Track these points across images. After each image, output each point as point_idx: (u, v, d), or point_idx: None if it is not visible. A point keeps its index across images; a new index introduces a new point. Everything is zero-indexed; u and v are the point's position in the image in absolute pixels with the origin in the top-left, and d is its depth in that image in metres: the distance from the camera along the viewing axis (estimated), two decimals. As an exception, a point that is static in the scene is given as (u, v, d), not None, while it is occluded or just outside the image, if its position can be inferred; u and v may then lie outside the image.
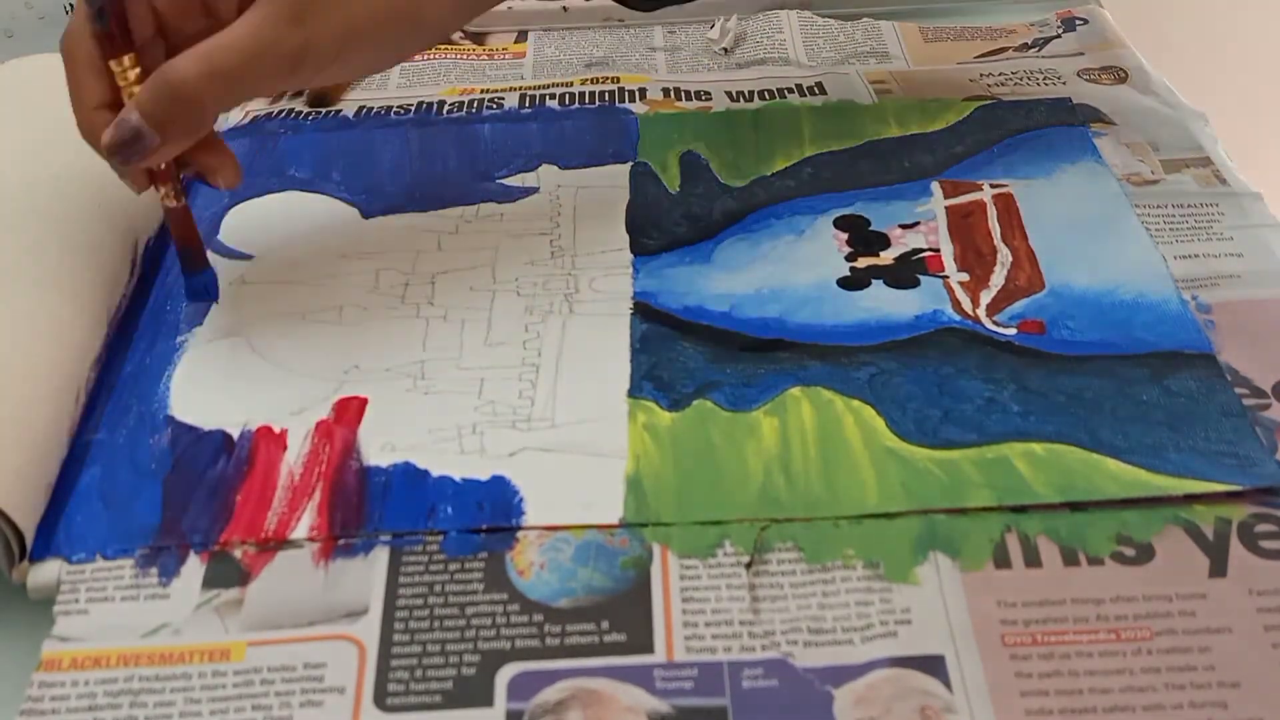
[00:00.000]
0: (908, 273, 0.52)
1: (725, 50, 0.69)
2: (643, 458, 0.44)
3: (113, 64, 0.45)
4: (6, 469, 0.42)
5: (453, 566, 0.41)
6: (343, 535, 0.42)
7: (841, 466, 0.44)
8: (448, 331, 0.50)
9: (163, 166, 0.48)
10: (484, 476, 0.44)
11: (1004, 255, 0.52)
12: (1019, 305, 0.50)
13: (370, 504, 0.43)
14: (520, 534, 0.42)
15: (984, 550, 0.41)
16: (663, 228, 0.55)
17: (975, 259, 0.52)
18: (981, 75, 0.65)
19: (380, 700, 0.38)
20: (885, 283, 0.51)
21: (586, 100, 0.65)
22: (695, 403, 0.46)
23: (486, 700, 0.38)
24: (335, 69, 0.47)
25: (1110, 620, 0.39)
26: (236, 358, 0.50)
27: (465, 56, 0.71)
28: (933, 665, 0.38)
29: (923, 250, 0.53)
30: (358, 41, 0.46)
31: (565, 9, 0.73)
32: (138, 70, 0.45)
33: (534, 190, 0.58)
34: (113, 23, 0.45)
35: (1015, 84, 0.64)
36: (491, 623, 0.40)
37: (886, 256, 0.53)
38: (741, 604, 0.40)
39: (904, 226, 0.54)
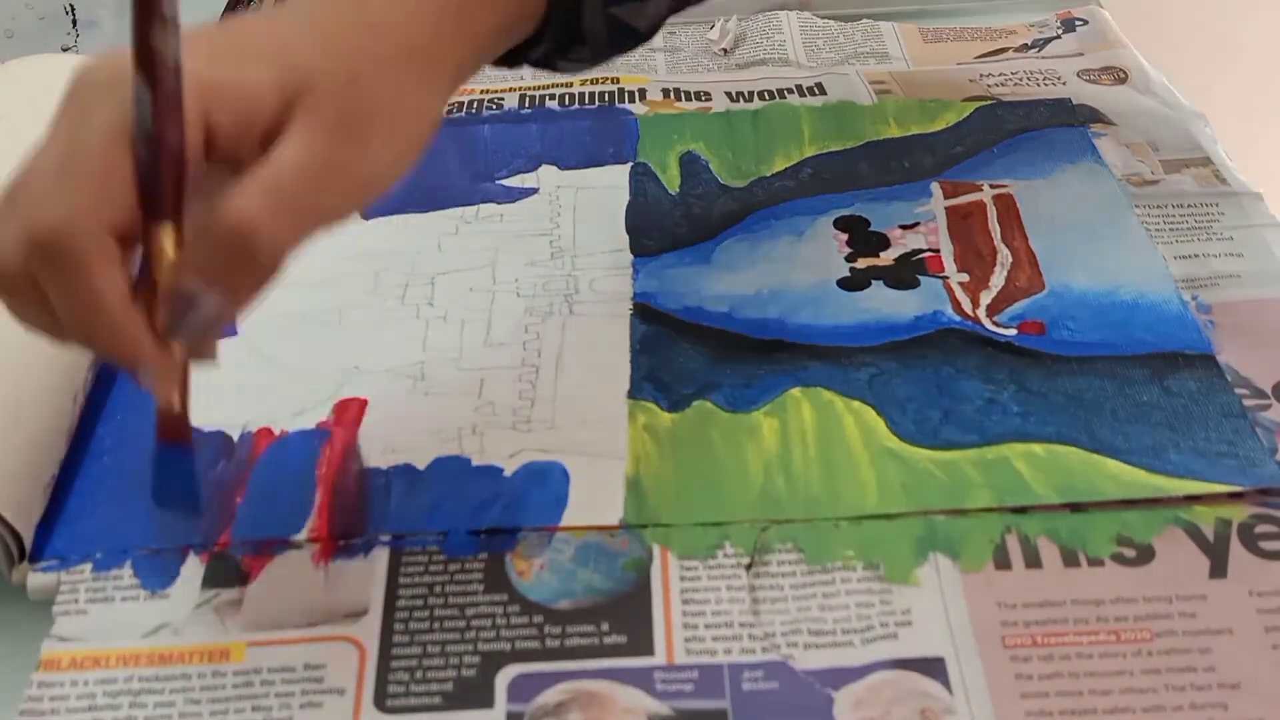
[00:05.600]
0: (908, 273, 0.52)
1: (725, 51, 0.69)
2: (643, 459, 0.44)
3: (160, 230, 0.34)
4: (4, 471, 0.42)
5: (453, 567, 0.41)
6: (343, 536, 0.42)
7: (841, 467, 0.44)
8: (448, 332, 0.50)
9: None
10: (484, 478, 0.44)
11: (1004, 256, 0.52)
12: (1019, 306, 0.50)
13: (370, 505, 0.43)
14: (520, 535, 0.42)
15: (984, 551, 0.41)
16: (663, 228, 0.55)
17: (975, 259, 0.52)
18: (981, 76, 0.65)
19: (380, 702, 0.38)
20: (885, 283, 0.51)
21: (586, 101, 0.65)
22: (695, 403, 0.46)
23: (487, 702, 0.38)
24: (384, 188, 0.38)
25: (1110, 621, 0.39)
26: (236, 359, 0.49)
27: (465, 57, 0.71)
28: (933, 667, 0.38)
29: (923, 251, 0.53)
30: (407, 159, 0.38)
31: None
32: (175, 238, 0.35)
33: (534, 190, 0.58)
34: (165, 166, 0.34)
35: (1015, 84, 0.64)
36: (491, 624, 0.40)
37: (886, 257, 0.53)
38: (742, 606, 0.40)
39: (904, 227, 0.54)
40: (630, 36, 0.46)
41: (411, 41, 0.38)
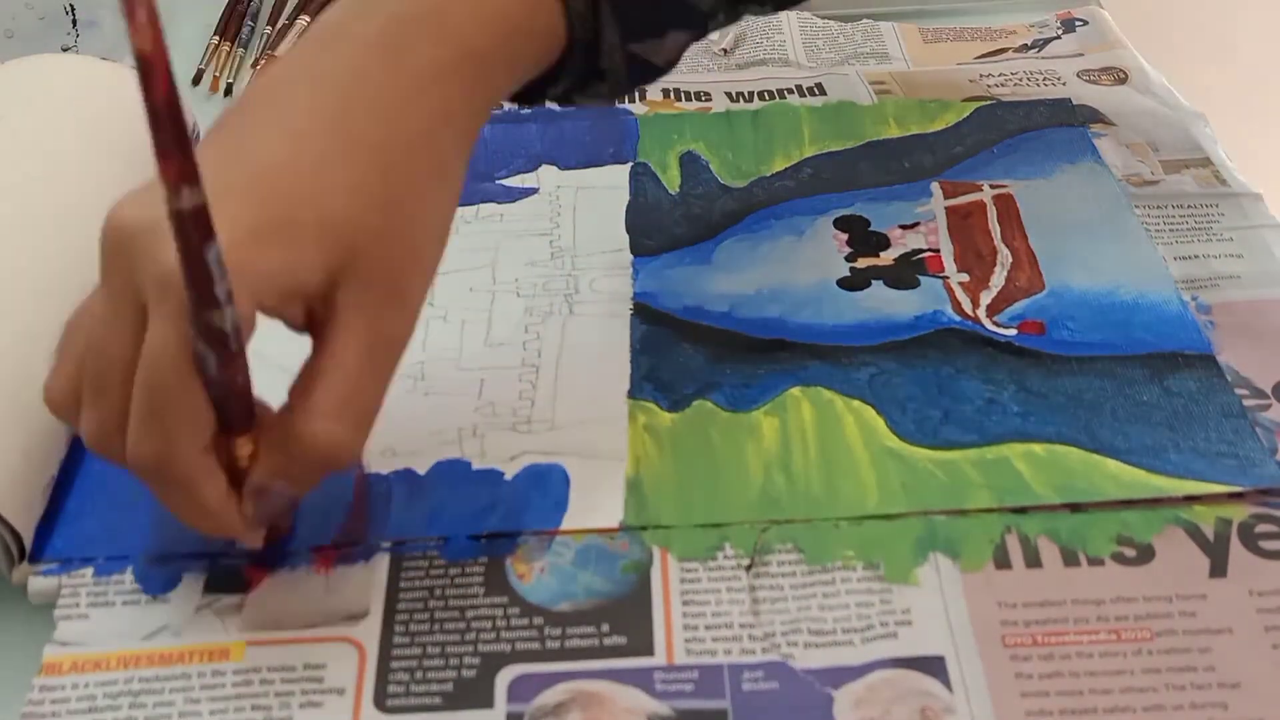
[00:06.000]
0: (908, 273, 0.52)
1: (725, 51, 0.69)
2: (643, 459, 0.44)
3: (239, 442, 0.37)
4: (4, 471, 0.42)
5: (453, 571, 0.41)
6: (344, 542, 0.42)
7: (842, 467, 0.44)
8: (447, 332, 0.50)
9: None
10: (485, 482, 0.44)
11: (1004, 256, 0.52)
12: (1019, 306, 0.50)
13: (372, 510, 0.43)
14: (521, 539, 0.42)
15: (984, 551, 0.41)
16: (663, 228, 0.55)
17: (975, 259, 0.52)
18: (981, 76, 0.65)
19: (380, 702, 0.38)
20: (885, 283, 0.51)
21: (586, 101, 0.64)
22: (695, 403, 0.46)
23: (487, 702, 0.38)
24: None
25: (1111, 621, 0.39)
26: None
27: (465, 57, 0.70)
28: (933, 666, 0.38)
29: (923, 251, 0.53)
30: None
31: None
32: (250, 448, 0.38)
33: (534, 190, 0.58)
34: (234, 400, 0.36)
35: (1015, 85, 0.64)
36: (492, 626, 0.40)
37: (886, 257, 0.53)
38: (742, 606, 0.40)
39: (904, 227, 0.54)
40: (649, 72, 0.46)
41: (441, 146, 0.39)
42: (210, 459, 0.36)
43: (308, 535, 0.42)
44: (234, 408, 0.36)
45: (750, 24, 0.71)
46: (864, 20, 0.71)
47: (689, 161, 0.59)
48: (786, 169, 0.58)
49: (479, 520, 0.42)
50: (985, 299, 0.50)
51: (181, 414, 0.35)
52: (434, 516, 0.43)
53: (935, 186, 0.57)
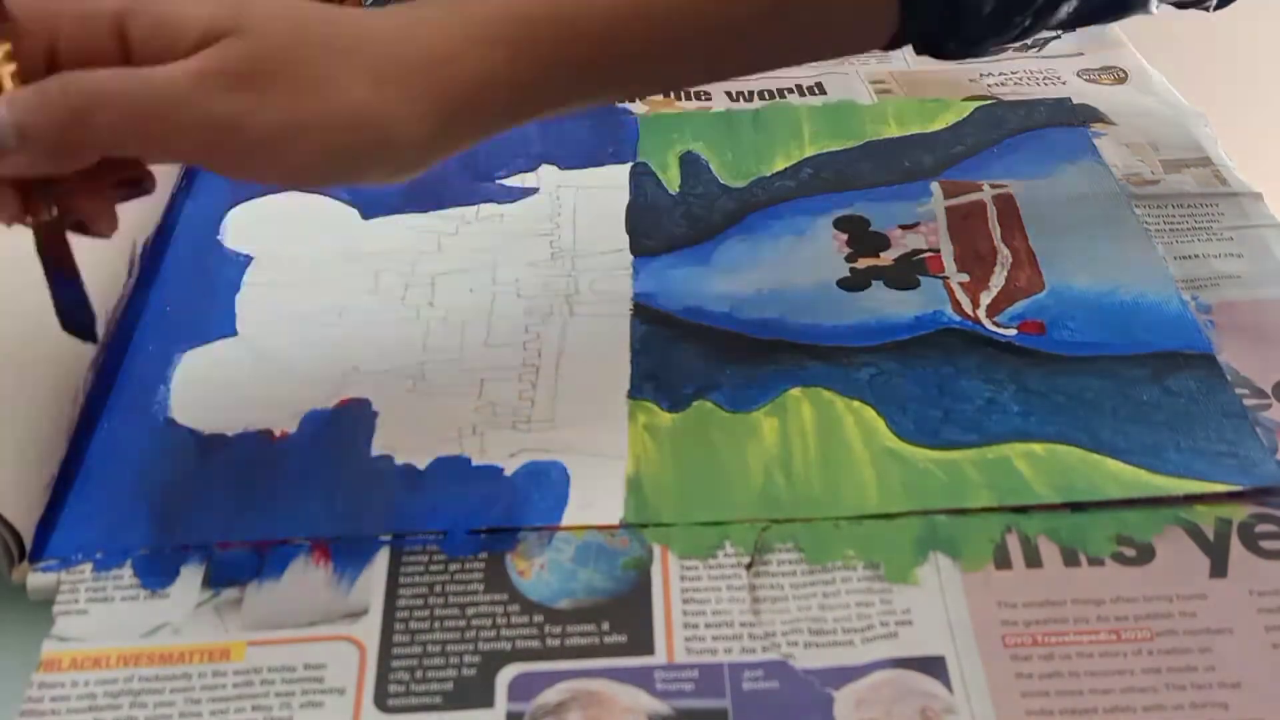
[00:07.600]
0: (908, 274, 0.52)
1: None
2: (643, 458, 0.44)
3: None
4: (5, 471, 0.42)
5: (453, 567, 0.41)
6: (343, 536, 0.42)
7: (842, 467, 0.44)
8: (448, 333, 0.50)
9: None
10: (484, 477, 0.44)
11: (1004, 256, 0.52)
12: (1019, 306, 0.50)
13: (371, 505, 0.43)
14: (521, 535, 0.42)
15: (984, 551, 0.41)
16: (662, 229, 0.55)
17: (975, 260, 0.52)
18: (981, 75, 0.65)
19: (381, 701, 0.38)
20: (885, 284, 0.51)
21: (586, 101, 0.64)
22: (695, 403, 0.46)
23: (487, 701, 0.38)
24: (268, 162, 0.39)
25: (1111, 621, 0.39)
26: (237, 359, 0.50)
27: (465, 57, 0.70)
28: (933, 666, 0.38)
29: (923, 251, 0.53)
30: (302, 138, 0.38)
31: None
32: (13, 67, 0.36)
33: (534, 190, 0.58)
34: None
35: (1015, 84, 0.64)
36: (492, 623, 0.40)
37: (886, 257, 0.53)
38: (742, 605, 0.40)
39: (904, 227, 0.54)
40: None
41: (390, 51, 0.39)
42: None
43: (303, 527, 0.42)
44: None
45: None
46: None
47: (689, 161, 0.59)
48: (786, 169, 0.58)
49: (479, 515, 0.43)
50: (985, 299, 0.50)
51: None
52: (433, 510, 0.43)
53: (935, 186, 0.57)
